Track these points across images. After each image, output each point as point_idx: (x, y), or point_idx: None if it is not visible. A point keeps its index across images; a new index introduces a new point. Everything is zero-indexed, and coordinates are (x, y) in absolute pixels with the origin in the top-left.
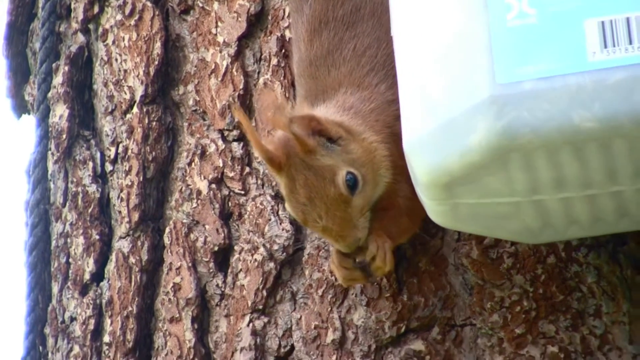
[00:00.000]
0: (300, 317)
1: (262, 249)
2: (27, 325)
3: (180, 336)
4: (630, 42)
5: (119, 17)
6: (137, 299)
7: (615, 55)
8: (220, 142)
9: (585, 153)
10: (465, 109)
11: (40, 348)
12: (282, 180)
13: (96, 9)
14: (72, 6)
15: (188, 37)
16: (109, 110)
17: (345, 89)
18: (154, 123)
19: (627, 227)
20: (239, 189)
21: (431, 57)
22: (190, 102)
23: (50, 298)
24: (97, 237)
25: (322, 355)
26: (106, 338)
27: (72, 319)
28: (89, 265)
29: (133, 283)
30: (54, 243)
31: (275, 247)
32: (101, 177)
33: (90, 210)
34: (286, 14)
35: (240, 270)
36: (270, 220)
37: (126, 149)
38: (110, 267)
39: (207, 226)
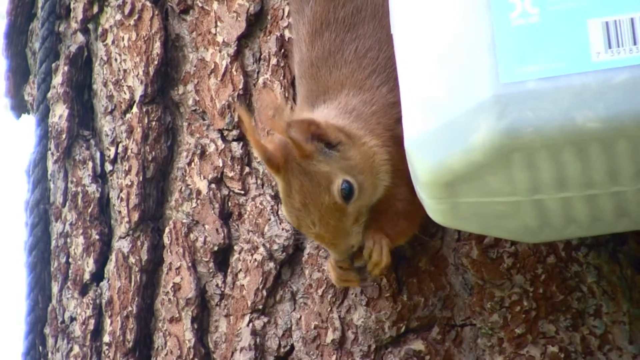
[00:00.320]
0: (300, 317)
1: (261, 249)
2: (27, 325)
3: (180, 336)
4: (635, 43)
5: (118, 17)
6: (136, 298)
7: (620, 56)
8: (219, 142)
9: (588, 153)
10: (468, 108)
11: (40, 348)
12: (279, 183)
13: (95, 9)
14: (72, 6)
15: (187, 36)
16: (109, 110)
17: (347, 91)
18: (154, 123)
19: (626, 227)
20: (238, 189)
21: (434, 55)
22: (190, 102)
23: (50, 298)
24: (97, 237)
25: (322, 355)
26: (106, 338)
27: (72, 318)
28: (89, 265)
29: (133, 283)
30: (53, 243)
31: (275, 247)
32: (101, 177)
33: (90, 210)
34: (285, 13)
35: (240, 270)
36: (270, 220)
37: (126, 148)
38: (110, 267)
39: (206, 226)
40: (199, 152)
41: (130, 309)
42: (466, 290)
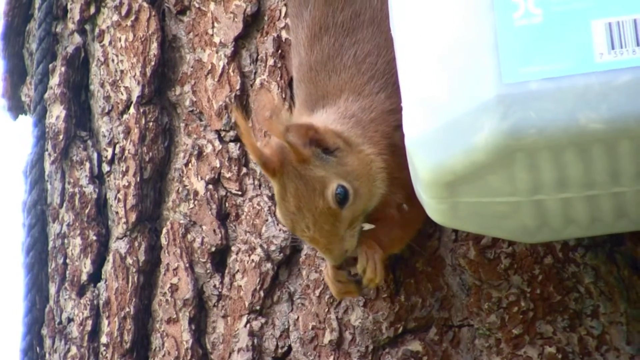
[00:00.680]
0: (298, 317)
1: (259, 250)
2: (24, 326)
3: (178, 337)
4: (638, 44)
5: (115, 17)
6: (134, 299)
7: (623, 57)
8: (217, 143)
9: (590, 154)
10: (471, 108)
11: (38, 349)
12: (274, 186)
13: (92, 10)
14: (69, 7)
15: (184, 37)
16: (106, 110)
17: (347, 96)
18: (151, 124)
19: (625, 227)
20: (236, 190)
21: (436, 55)
22: (187, 103)
23: (48, 299)
24: (94, 237)
25: (319, 356)
26: (103, 339)
27: (70, 319)
28: (86, 266)
29: (130, 284)
30: (51, 244)
31: (273, 247)
32: (98, 178)
33: (87, 211)
34: (282, 14)
35: (238, 270)
36: (267, 220)
37: (123, 149)
38: (108, 267)
39: (204, 227)
40: (196, 152)
41: (127, 309)
42: (463, 291)
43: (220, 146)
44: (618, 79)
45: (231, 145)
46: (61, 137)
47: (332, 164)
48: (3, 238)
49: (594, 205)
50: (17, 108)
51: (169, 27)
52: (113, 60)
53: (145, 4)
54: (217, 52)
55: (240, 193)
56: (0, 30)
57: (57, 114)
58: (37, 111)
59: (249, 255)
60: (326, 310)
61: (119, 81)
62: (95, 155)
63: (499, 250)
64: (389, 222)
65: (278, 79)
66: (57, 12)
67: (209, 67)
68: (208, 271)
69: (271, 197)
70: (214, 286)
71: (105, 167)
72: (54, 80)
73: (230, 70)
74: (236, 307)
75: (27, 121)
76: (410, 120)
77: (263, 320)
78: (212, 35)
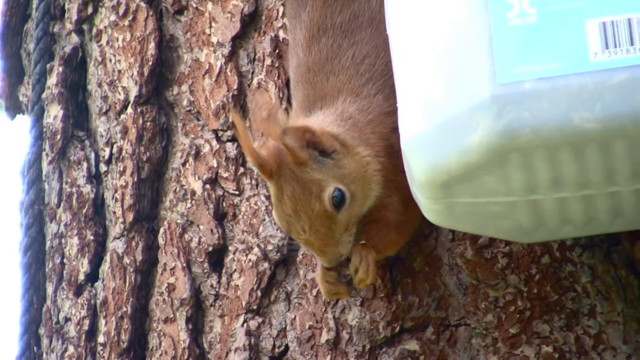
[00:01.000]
0: (295, 317)
1: (256, 249)
2: (21, 325)
3: (175, 336)
4: (632, 43)
5: (112, 17)
6: (131, 299)
7: (617, 56)
8: (214, 143)
9: (585, 153)
10: (465, 108)
11: (35, 348)
12: (271, 188)
13: (90, 10)
14: (66, 7)
15: (182, 37)
16: (103, 110)
17: (344, 97)
18: (148, 123)
19: (621, 227)
20: (233, 189)
21: (430, 55)
22: (185, 103)
23: (45, 298)
24: (92, 237)
25: (316, 355)
26: (101, 338)
27: (67, 319)
28: (84, 266)
29: (127, 283)
30: (48, 244)
31: (270, 247)
32: (95, 178)
33: (84, 210)
34: (280, 14)
35: (235, 270)
36: (264, 220)
37: (120, 149)
38: (105, 267)
39: (201, 226)
40: (193, 152)
41: (124, 309)
42: (460, 291)
43: (218, 146)
44: (612, 78)
45: (228, 145)
46: (59, 137)
47: (329, 167)
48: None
49: (589, 205)
50: (14, 108)
51: (166, 27)
52: (110, 60)
53: (142, 4)
54: (214, 52)
55: (237, 193)
56: None
57: (54, 113)
58: (35, 111)
59: (246, 255)
60: (323, 309)
61: (117, 81)
62: (92, 155)
63: (496, 250)
64: (384, 225)
65: (275, 78)
66: (55, 12)
67: (207, 67)
68: (205, 271)
69: (268, 197)
70: (211, 286)
71: (103, 167)
72: (52, 80)
73: (228, 70)
74: (233, 306)
75: (24, 121)
76: (405, 120)
77: (260, 320)
78: (210, 35)
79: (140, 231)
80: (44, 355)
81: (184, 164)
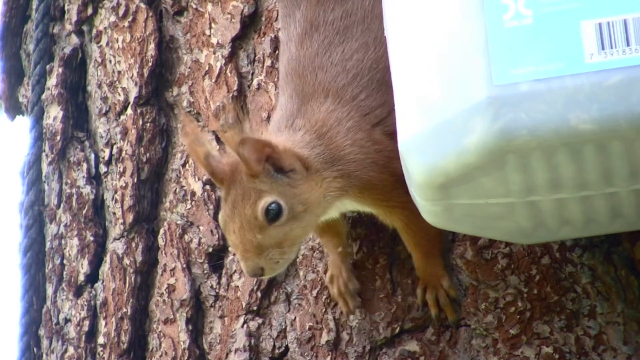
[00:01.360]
0: (295, 318)
1: None
2: (21, 326)
3: (175, 337)
4: (628, 44)
5: (112, 18)
6: (131, 300)
7: (613, 57)
8: (214, 143)
9: (582, 154)
10: (462, 109)
11: (35, 349)
12: (221, 191)
13: (90, 11)
14: (66, 8)
15: (182, 38)
16: (103, 111)
17: (328, 105)
18: (148, 124)
19: (620, 228)
20: None
21: (427, 57)
22: (184, 104)
23: (45, 299)
24: (92, 238)
25: (316, 356)
26: (101, 339)
27: (67, 320)
28: (84, 267)
29: (127, 284)
30: (48, 244)
31: None
32: (95, 179)
33: (84, 211)
34: (280, 15)
35: (235, 271)
36: None
37: (120, 150)
38: (105, 268)
39: (201, 227)
40: None
41: (124, 310)
42: (461, 291)
43: (217, 147)
44: (608, 79)
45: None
46: (58, 138)
47: (280, 184)
48: (0, 239)
49: (588, 206)
50: (14, 109)
51: (166, 28)
52: (110, 61)
53: (142, 5)
54: (214, 53)
55: None
56: None
57: (54, 114)
58: (35, 112)
59: None
60: (323, 310)
61: (117, 82)
62: (92, 156)
63: (496, 251)
64: (413, 243)
65: (275, 79)
66: (55, 13)
67: (206, 68)
68: (205, 272)
69: None
70: (211, 287)
71: (103, 168)
72: (52, 81)
73: (228, 71)
74: (233, 307)
75: (24, 122)
76: (403, 122)
77: (260, 321)
78: (210, 36)
79: (140, 232)
80: (44, 356)
81: (183, 165)
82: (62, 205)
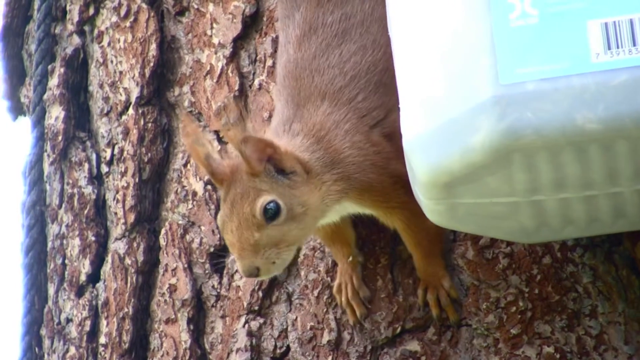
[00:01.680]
0: (296, 317)
1: None
2: (23, 326)
3: (176, 337)
4: (634, 44)
5: (114, 18)
6: (133, 300)
7: (619, 57)
8: (215, 143)
9: (587, 154)
10: (467, 109)
11: (37, 349)
12: (221, 191)
13: (91, 11)
14: (68, 8)
15: (183, 38)
16: (105, 111)
17: (325, 108)
18: (150, 124)
19: (623, 227)
20: None
21: (433, 56)
22: (186, 104)
23: (47, 299)
24: (93, 238)
25: (317, 356)
26: (102, 339)
27: (68, 320)
28: (85, 267)
29: (129, 284)
30: (50, 244)
31: None
32: (97, 179)
33: (86, 211)
34: (279, 16)
35: (236, 271)
36: None
37: (122, 150)
38: (106, 268)
39: (202, 227)
40: None
41: (126, 310)
42: (462, 291)
43: (219, 147)
44: (614, 79)
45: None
46: (60, 138)
47: (280, 184)
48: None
49: (592, 206)
50: (16, 109)
51: (167, 28)
52: (112, 61)
53: (144, 5)
54: (215, 53)
55: None
56: None
57: (56, 114)
58: (36, 112)
59: None
60: (324, 310)
61: (118, 82)
62: (94, 156)
63: (497, 250)
64: (414, 244)
65: (276, 80)
66: (56, 14)
67: (208, 68)
68: (207, 271)
69: None
70: (213, 286)
71: (104, 168)
72: (53, 81)
73: (229, 71)
74: (235, 307)
75: (26, 122)
76: (408, 121)
77: (261, 321)
78: (211, 36)
79: (142, 232)
80: (46, 356)
81: (185, 165)
82: (63, 205)
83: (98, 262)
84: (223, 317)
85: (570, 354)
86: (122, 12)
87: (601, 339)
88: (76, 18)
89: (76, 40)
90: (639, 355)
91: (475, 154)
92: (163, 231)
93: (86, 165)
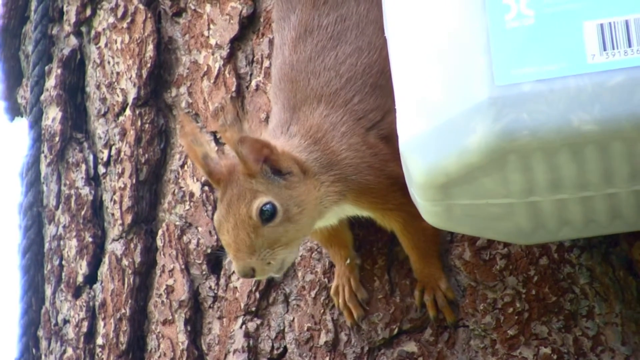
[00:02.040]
0: (293, 319)
1: None
2: (20, 327)
3: (173, 338)
4: (630, 45)
5: (111, 19)
6: (130, 301)
7: (615, 58)
8: (212, 144)
9: (583, 155)
10: (463, 110)
11: (34, 350)
12: (218, 191)
13: (88, 12)
14: (65, 9)
15: (180, 39)
16: (102, 112)
17: (322, 110)
18: (147, 125)
19: (619, 228)
20: None
21: (429, 58)
22: (183, 105)
23: (44, 300)
24: (90, 239)
25: (315, 357)
26: (99, 340)
27: (66, 321)
28: (82, 268)
29: (126, 285)
30: (47, 245)
31: None
32: (94, 180)
33: (83, 212)
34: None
35: (233, 272)
36: None
37: (119, 151)
38: (103, 269)
39: (200, 228)
40: None
41: (123, 311)
42: (459, 292)
43: (216, 148)
44: (610, 80)
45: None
46: (57, 139)
47: (277, 185)
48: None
49: (588, 207)
50: (13, 110)
51: (164, 29)
52: (109, 62)
53: (141, 6)
54: (212, 54)
55: None
56: None
57: (53, 116)
58: (33, 113)
59: None
60: (322, 311)
61: (115, 83)
62: (91, 157)
63: (494, 252)
64: (408, 250)
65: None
66: (53, 15)
67: (205, 69)
68: (204, 272)
69: None
70: (210, 287)
71: (101, 169)
72: (50, 82)
73: (226, 72)
74: (232, 308)
75: (23, 123)
76: (404, 122)
77: (259, 322)
78: (208, 37)
79: (139, 233)
80: (43, 357)
81: (182, 166)
82: (60, 206)
83: (95, 263)
84: (220, 318)
85: (567, 355)
86: (119, 13)
87: (598, 339)
88: (73, 19)
89: (73, 41)
90: (636, 356)
91: (471, 155)
92: (160, 232)
93: (83, 166)
